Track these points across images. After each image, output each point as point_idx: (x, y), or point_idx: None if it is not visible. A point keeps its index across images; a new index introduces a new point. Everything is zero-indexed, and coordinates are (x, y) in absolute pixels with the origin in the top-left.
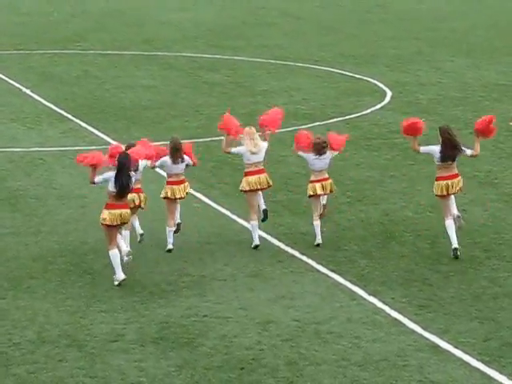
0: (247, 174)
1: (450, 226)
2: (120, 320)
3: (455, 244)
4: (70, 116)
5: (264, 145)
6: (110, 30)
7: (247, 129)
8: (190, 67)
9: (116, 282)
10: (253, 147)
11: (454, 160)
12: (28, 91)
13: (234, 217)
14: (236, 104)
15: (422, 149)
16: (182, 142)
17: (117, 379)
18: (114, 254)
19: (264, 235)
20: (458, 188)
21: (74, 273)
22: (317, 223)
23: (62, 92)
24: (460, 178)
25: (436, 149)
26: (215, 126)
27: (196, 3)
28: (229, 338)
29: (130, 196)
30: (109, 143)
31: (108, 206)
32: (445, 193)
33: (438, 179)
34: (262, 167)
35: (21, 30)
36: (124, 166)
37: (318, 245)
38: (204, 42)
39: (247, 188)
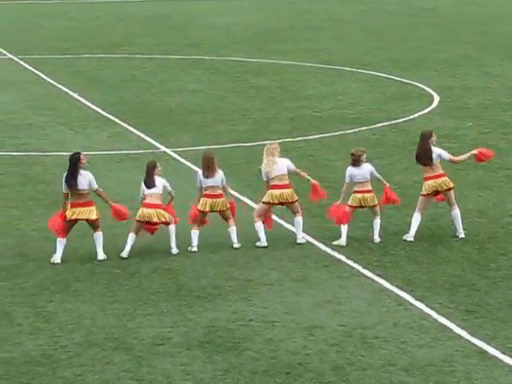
0: (271, 187)
1: (417, 218)
2: (166, 323)
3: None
4: (116, 120)
5: (283, 161)
6: (157, 34)
7: (268, 145)
8: (236, 71)
9: (52, 261)
10: (266, 167)
11: (423, 164)
12: (75, 95)
13: (281, 221)
14: (282, 108)
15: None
16: (213, 156)
17: (163, 382)
18: (61, 241)
19: (310, 239)
20: (446, 187)
21: (120, 276)
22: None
23: (109, 96)
24: (445, 177)
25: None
26: (262, 130)
27: (243, 7)
28: (275, 342)
29: (148, 212)
30: (155, 147)
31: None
32: (431, 191)
33: (425, 179)
34: (287, 182)
35: (68, 35)
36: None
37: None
38: (251, 46)
39: (268, 200)
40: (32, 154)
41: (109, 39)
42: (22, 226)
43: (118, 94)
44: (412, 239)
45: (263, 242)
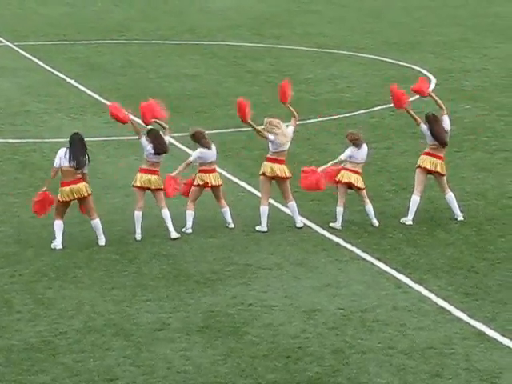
0: (270, 160)
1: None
2: (166, 309)
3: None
4: None
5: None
6: (154, 20)
7: (271, 120)
8: (233, 56)
9: (53, 247)
10: (280, 138)
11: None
12: (72, 81)
13: (279, 205)
14: None
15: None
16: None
17: (163, 368)
18: (58, 223)
19: (309, 223)
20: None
21: (119, 262)
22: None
23: (107, 82)
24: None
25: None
26: (259, 114)
27: None
28: (274, 326)
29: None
30: None
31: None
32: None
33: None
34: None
35: (65, 21)
36: (77, 142)
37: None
38: (248, 30)
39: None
40: (30, 140)
41: (105, 25)
42: (21, 213)
43: (115, 79)
44: (411, 222)
45: (264, 227)
